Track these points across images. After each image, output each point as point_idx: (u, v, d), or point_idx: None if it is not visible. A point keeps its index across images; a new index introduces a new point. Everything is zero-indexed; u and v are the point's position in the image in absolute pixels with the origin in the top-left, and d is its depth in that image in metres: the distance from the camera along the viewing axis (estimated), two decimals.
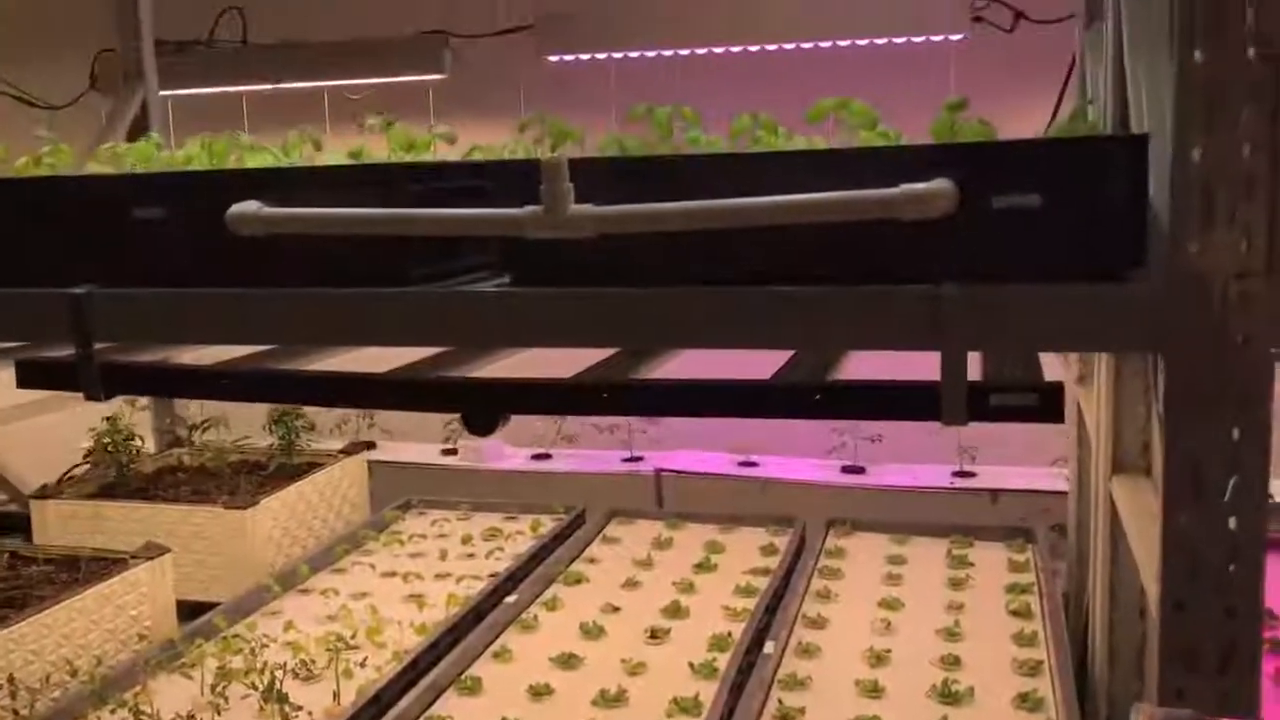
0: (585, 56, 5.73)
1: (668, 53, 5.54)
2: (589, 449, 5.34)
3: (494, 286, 2.03)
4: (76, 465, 4.22)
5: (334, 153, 2.35)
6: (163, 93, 5.94)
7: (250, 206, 2.02)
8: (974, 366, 1.85)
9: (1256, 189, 1.65)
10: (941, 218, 1.74)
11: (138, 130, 4.40)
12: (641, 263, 1.96)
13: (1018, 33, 5.28)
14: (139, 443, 4.22)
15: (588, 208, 1.87)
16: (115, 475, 4.08)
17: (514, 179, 2.00)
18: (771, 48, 5.32)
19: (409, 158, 2.20)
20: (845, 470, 5.00)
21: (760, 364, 2.09)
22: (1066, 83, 4.01)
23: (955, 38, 5.14)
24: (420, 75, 6.20)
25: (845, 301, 1.85)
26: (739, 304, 1.90)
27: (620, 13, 5.29)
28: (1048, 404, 1.80)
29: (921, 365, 1.83)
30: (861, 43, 5.23)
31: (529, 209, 1.89)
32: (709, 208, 1.83)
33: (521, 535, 3.92)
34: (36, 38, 5.81)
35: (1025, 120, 5.29)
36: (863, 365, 2.13)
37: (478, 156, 2.34)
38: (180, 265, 2.19)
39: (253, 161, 2.34)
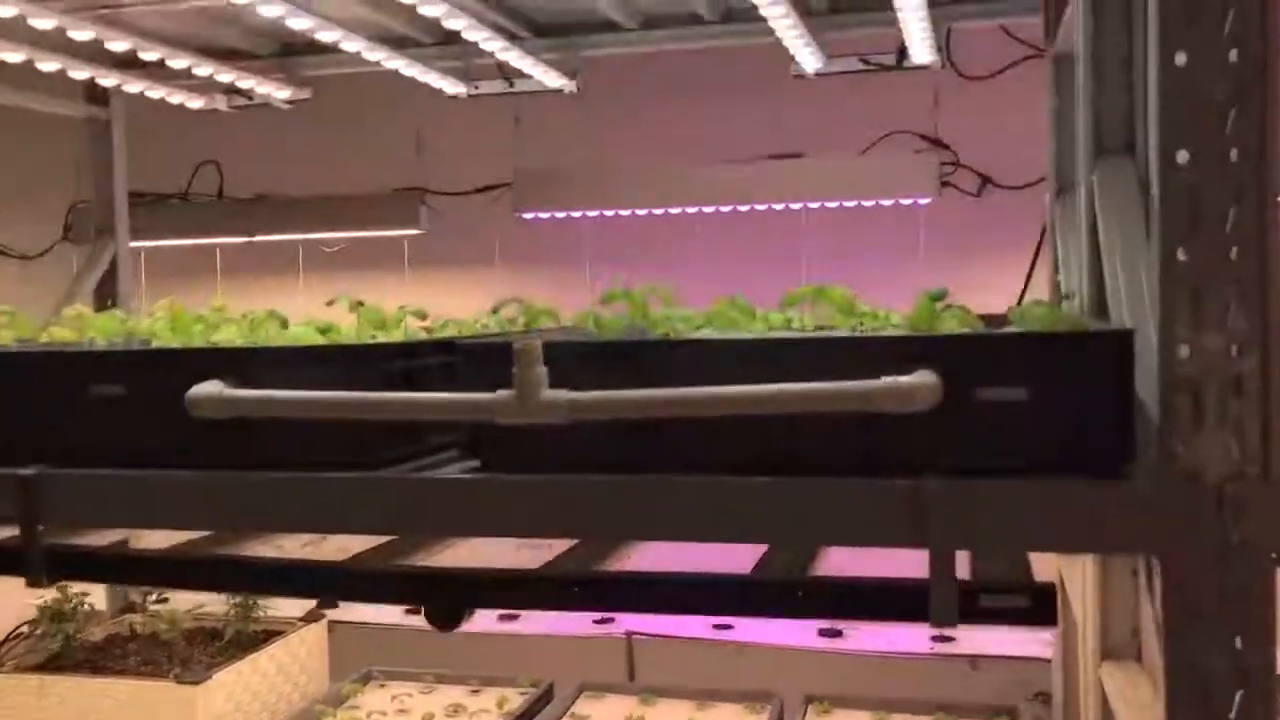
0: (561, 214, 5.78)
1: (642, 212, 5.60)
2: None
3: (463, 471, 1.96)
4: (18, 632, 4.04)
5: (303, 326, 2.30)
6: (139, 244, 5.96)
7: (211, 388, 1.95)
8: (961, 556, 1.79)
9: (1247, 387, 1.61)
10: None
11: (107, 284, 4.36)
12: (616, 449, 1.90)
13: (985, 196, 5.39)
14: (88, 607, 4.04)
15: (562, 393, 1.81)
16: (61, 645, 3.89)
17: (486, 358, 1.95)
18: (744, 208, 5.38)
19: (380, 337, 2.15)
20: (821, 634, 4.87)
21: (737, 551, 2.01)
22: (1038, 252, 4.05)
23: (924, 201, 5.22)
24: (396, 230, 6.24)
25: (825, 495, 1.78)
26: (715, 495, 1.83)
27: (597, 172, 5.37)
28: (1039, 606, 1.73)
29: (905, 554, 1.76)
30: (831, 204, 5.31)
31: (501, 394, 1.84)
32: (685, 396, 1.78)
33: (487, 714, 3.75)
34: (10, 188, 5.80)
35: (995, 278, 5.38)
36: (844, 552, 2.06)
37: (450, 332, 2.29)
38: (138, 444, 2.11)
39: (217, 337, 2.28)
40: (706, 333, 2.10)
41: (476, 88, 4.12)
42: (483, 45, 3.56)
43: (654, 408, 1.80)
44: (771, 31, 3.41)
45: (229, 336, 2.27)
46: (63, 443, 2.14)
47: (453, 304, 6.34)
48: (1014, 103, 4.68)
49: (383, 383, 2.00)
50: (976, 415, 1.75)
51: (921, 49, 3.63)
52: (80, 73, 3.60)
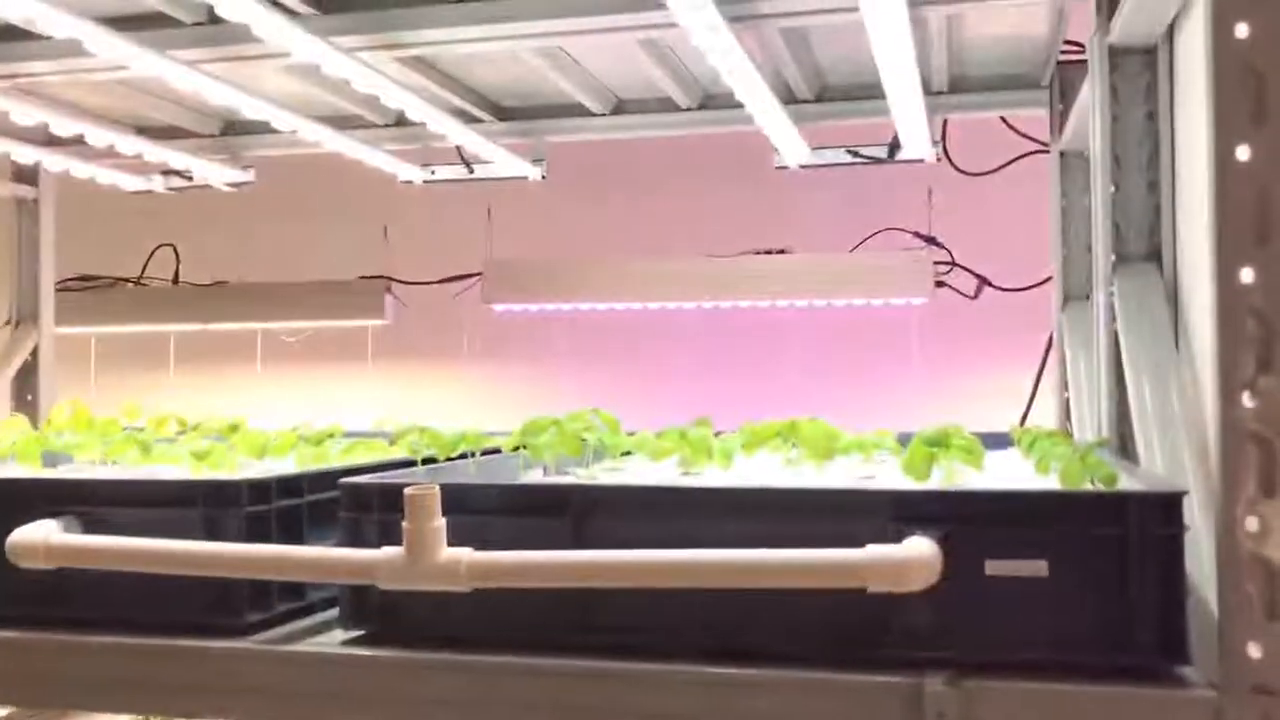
0: (533, 307, 5.44)
1: (619, 306, 5.26)
2: None
3: (345, 643, 1.58)
4: None
5: (172, 448, 1.94)
6: (90, 330, 5.61)
7: (38, 533, 1.58)
8: None
9: None
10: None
11: (26, 374, 4.01)
12: (536, 621, 1.52)
13: (982, 298, 5.06)
14: None
15: (463, 554, 1.44)
16: None
17: (378, 501, 1.59)
18: (725, 305, 5.05)
19: (252, 474, 1.78)
20: None
21: None
22: (1043, 366, 3.71)
23: (917, 302, 4.90)
24: (360, 320, 5.89)
25: (796, 692, 1.40)
26: (660, 685, 1.45)
27: (571, 265, 5.04)
28: None
29: None
30: (819, 304, 4.98)
31: (388, 553, 1.46)
32: (616, 563, 1.41)
33: None
34: None
35: (993, 387, 5.03)
36: None
37: (352, 459, 1.93)
38: None
39: (80, 453, 1.92)
40: (657, 478, 1.75)
41: (434, 173, 3.81)
42: (439, 128, 3.24)
43: (577, 575, 1.43)
44: (752, 119, 3.11)
45: (90, 458, 1.91)
46: None
47: (421, 398, 6.01)
48: (1014, 200, 4.39)
49: (251, 527, 1.63)
50: (987, 594, 1.38)
51: (916, 141, 3.32)
52: None
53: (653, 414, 5.30)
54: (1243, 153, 1.29)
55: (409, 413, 4.59)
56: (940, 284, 4.96)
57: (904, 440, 2.70)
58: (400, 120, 3.58)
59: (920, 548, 1.34)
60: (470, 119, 3.49)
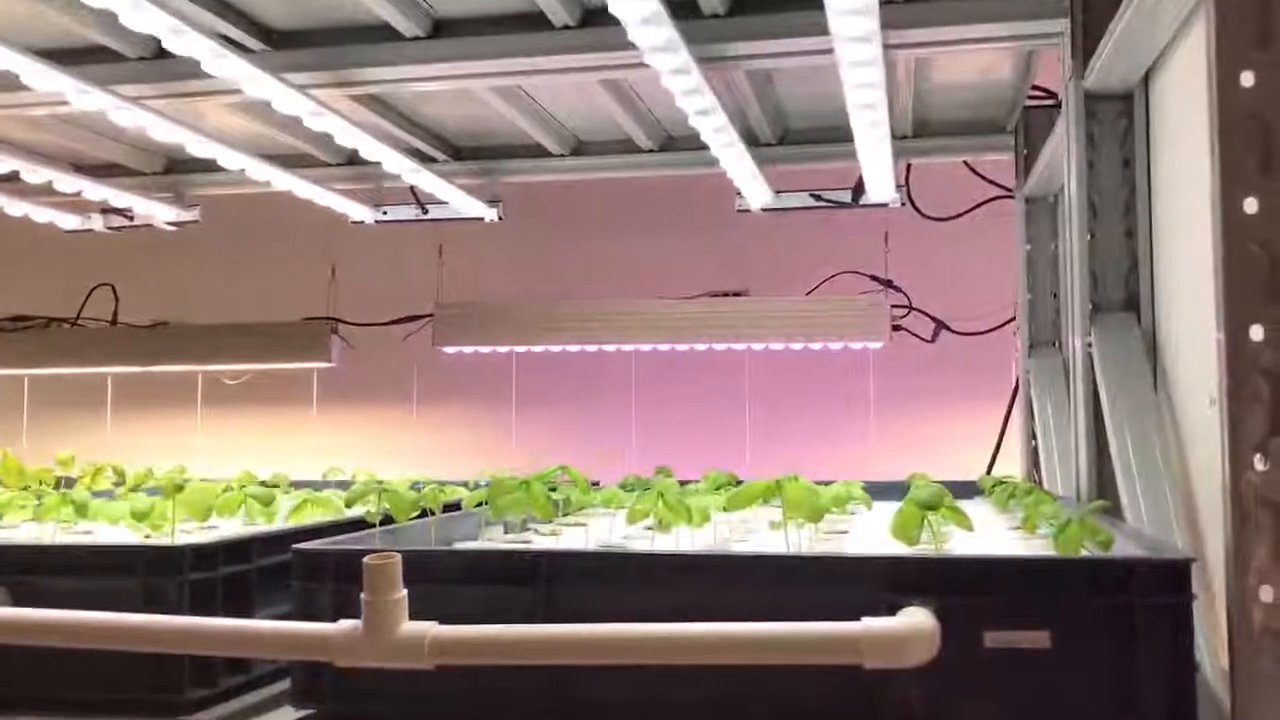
0: (485, 350, 5.33)
1: (574, 349, 5.18)
2: None
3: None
4: None
5: (110, 506, 1.81)
6: (22, 371, 5.40)
7: None
8: None
9: None
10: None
11: None
12: (507, 701, 1.42)
13: (940, 342, 5.04)
14: None
15: (426, 629, 1.34)
16: None
17: (334, 568, 1.48)
18: (683, 348, 4.99)
19: (196, 538, 1.66)
20: None
21: None
22: (1008, 415, 3.67)
23: (875, 346, 4.86)
24: (305, 363, 5.73)
25: None
26: None
27: (524, 307, 4.95)
28: None
29: None
30: (776, 346, 4.93)
31: (345, 626, 1.35)
32: (597, 637, 1.31)
33: None
34: None
35: (953, 431, 5.00)
36: None
37: (305, 518, 1.81)
38: None
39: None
40: (624, 535, 1.65)
41: (385, 213, 3.71)
42: (393, 168, 3.15)
43: (550, 651, 1.33)
44: (715, 162, 3.05)
45: (20, 517, 1.78)
46: None
47: (369, 442, 5.85)
48: (973, 245, 4.37)
49: (196, 596, 1.51)
50: (986, 667, 1.31)
51: (880, 186, 3.29)
52: None
53: (609, 458, 5.20)
54: (1250, 205, 1.24)
55: (356, 457, 4.47)
56: (897, 327, 4.93)
57: (870, 490, 2.65)
58: (352, 159, 3.49)
59: (919, 620, 1.26)
60: (425, 158, 3.40)
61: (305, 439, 5.66)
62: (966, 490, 3.01)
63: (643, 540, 1.72)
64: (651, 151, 3.44)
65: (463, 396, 5.54)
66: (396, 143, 3.20)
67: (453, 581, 1.43)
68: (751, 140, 3.31)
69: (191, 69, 2.28)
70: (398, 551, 1.36)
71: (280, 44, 2.52)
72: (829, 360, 4.97)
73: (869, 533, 2.21)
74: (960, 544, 1.66)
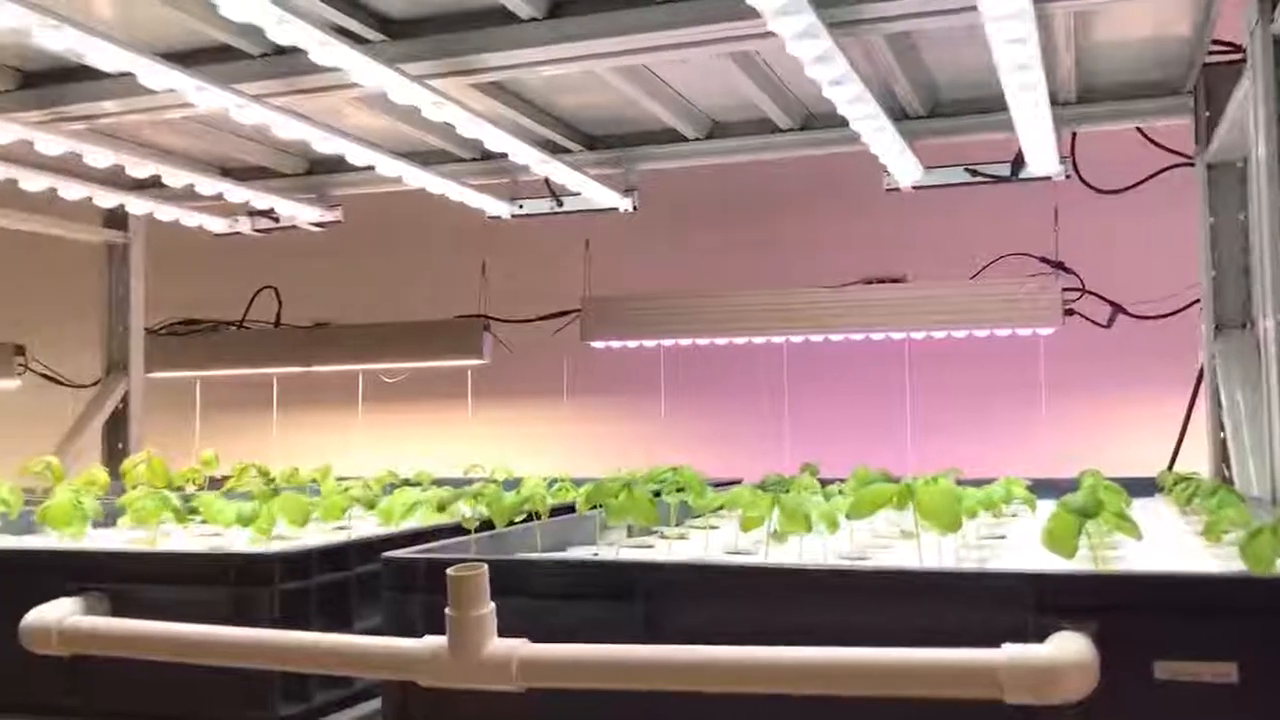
0: (633, 343, 5.24)
1: (722, 341, 5.03)
2: None
3: None
4: None
5: (224, 508, 1.77)
6: (193, 374, 5.62)
7: (52, 614, 1.41)
8: None
9: None
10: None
11: (117, 420, 3.95)
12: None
13: (1117, 327, 4.68)
14: None
15: (515, 647, 1.22)
16: None
17: (422, 578, 1.38)
18: (837, 338, 4.78)
19: (287, 544, 1.59)
20: None
21: None
22: (1192, 403, 3.35)
23: (1045, 332, 4.54)
24: (460, 360, 5.77)
25: None
26: None
27: (672, 299, 4.83)
28: None
29: None
30: (938, 334, 4.67)
31: (430, 644, 1.25)
32: (701, 661, 1.17)
33: None
34: (66, 321, 5.52)
35: (1131, 423, 4.65)
36: None
37: (409, 522, 1.73)
38: None
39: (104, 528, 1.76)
40: (749, 542, 1.50)
41: (521, 207, 3.64)
42: (521, 159, 3.06)
43: (649, 675, 1.19)
44: (858, 138, 2.85)
45: (135, 521, 1.75)
46: None
47: (520, 437, 5.85)
48: (1151, 219, 4.03)
49: (287, 606, 1.43)
50: (1156, 705, 1.11)
51: (1042, 157, 3.02)
52: (72, 191, 3.21)
53: (761, 453, 5.04)
54: None
55: (508, 453, 4.43)
56: (1069, 312, 4.59)
57: (1037, 489, 2.41)
58: (486, 154, 3.43)
59: (1071, 647, 1.07)
60: (559, 150, 3.32)
61: (460, 434, 5.70)
62: (1145, 488, 2.74)
63: (771, 550, 1.57)
64: (791, 131, 3.26)
65: (612, 391, 5.47)
66: (528, 134, 3.11)
67: (544, 595, 1.31)
68: (899, 114, 3.10)
69: (307, 64, 2.24)
70: (484, 561, 1.24)
71: (398, 34, 2.46)
72: (994, 348, 4.68)
73: (1028, 541, 2.00)
74: (1128, 555, 1.45)
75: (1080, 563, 1.30)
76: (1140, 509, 2.09)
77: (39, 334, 5.41)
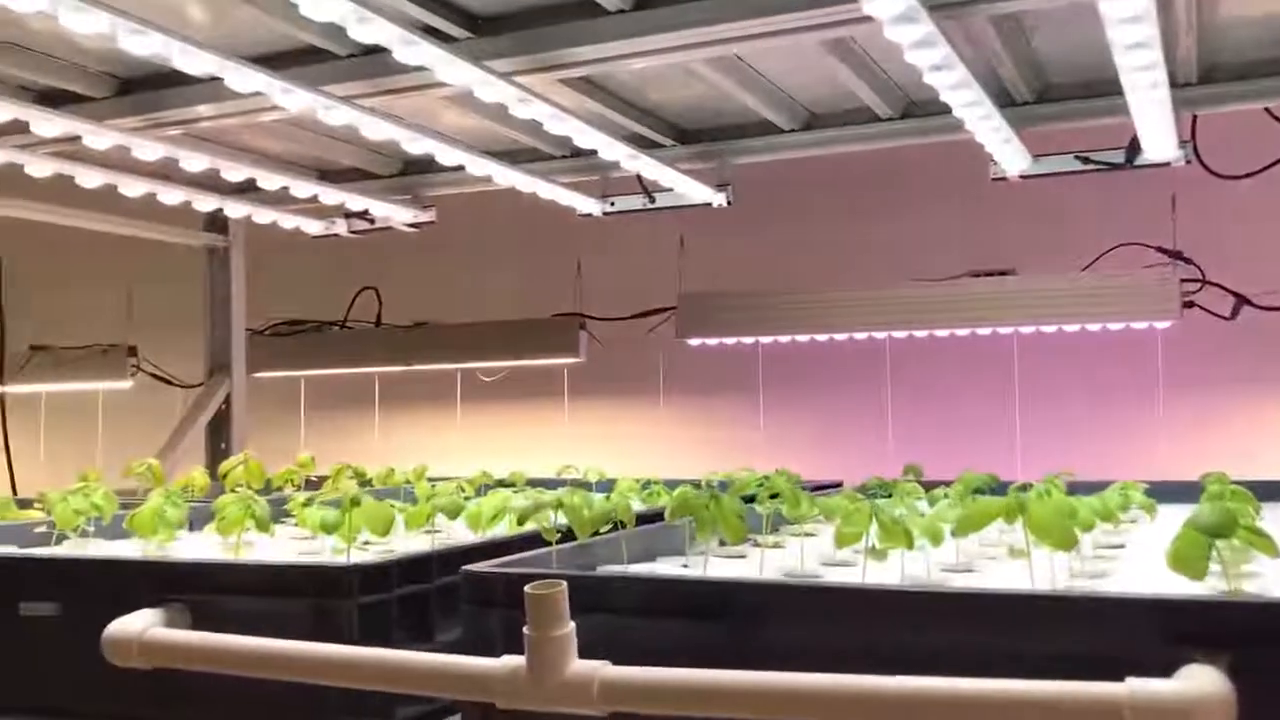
0: (730, 341, 5.15)
1: (821, 338, 4.91)
2: None
3: None
4: None
5: (311, 514, 1.74)
6: (298, 373, 5.72)
7: (134, 626, 1.39)
8: None
9: None
10: None
11: (220, 421, 4.01)
12: None
13: (1241, 319, 4.44)
14: None
15: (596, 669, 1.16)
16: None
17: (502, 592, 1.33)
18: (941, 334, 4.62)
19: (370, 555, 1.56)
20: None
21: None
22: None
23: (1162, 326, 4.33)
24: (556, 359, 5.77)
25: None
26: None
27: (767, 295, 4.73)
28: None
29: None
30: (1047, 329, 4.49)
31: (508, 664, 1.20)
32: (799, 689, 1.09)
33: None
34: (175, 323, 5.68)
35: (1256, 424, 4.42)
36: None
37: (494, 531, 1.68)
38: (64, 681, 1.57)
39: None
40: (839, 569, 1.42)
41: (613, 204, 3.59)
42: (610, 155, 3.00)
43: (742, 703, 1.12)
44: (963, 125, 2.73)
45: (221, 529, 1.74)
46: None
47: (616, 435, 5.82)
48: (1277, 205, 3.82)
49: (366, 619, 1.40)
50: None
51: (1160, 142, 2.86)
52: (170, 196, 3.26)
53: (862, 453, 4.91)
54: None
55: (604, 452, 4.39)
56: (1189, 304, 4.36)
57: (1155, 493, 2.27)
58: (576, 151, 3.38)
59: (1204, 682, 0.97)
60: (649, 144, 3.25)
61: (555, 435, 5.69)
62: (1272, 491, 2.57)
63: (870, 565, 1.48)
64: (891, 120, 3.14)
65: (708, 389, 5.40)
66: (617, 129, 3.06)
67: (627, 613, 1.25)
68: (1006, 100, 2.96)
69: (396, 64, 2.21)
70: (563, 577, 1.19)
71: (484, 30, 2.42)
72: (1107, 344, 4.49)
73: (1149, 551, 1.87)
74: (1265, 573, 1.33)
75: (1211, 585, 1.19)
76: (1271, 516, 1.94)
77: (149, 335, 5.56)
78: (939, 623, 1.13)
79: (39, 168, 2.87)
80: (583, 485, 2.92)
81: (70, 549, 1.99)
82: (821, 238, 4.82)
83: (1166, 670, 1.00)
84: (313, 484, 3.34)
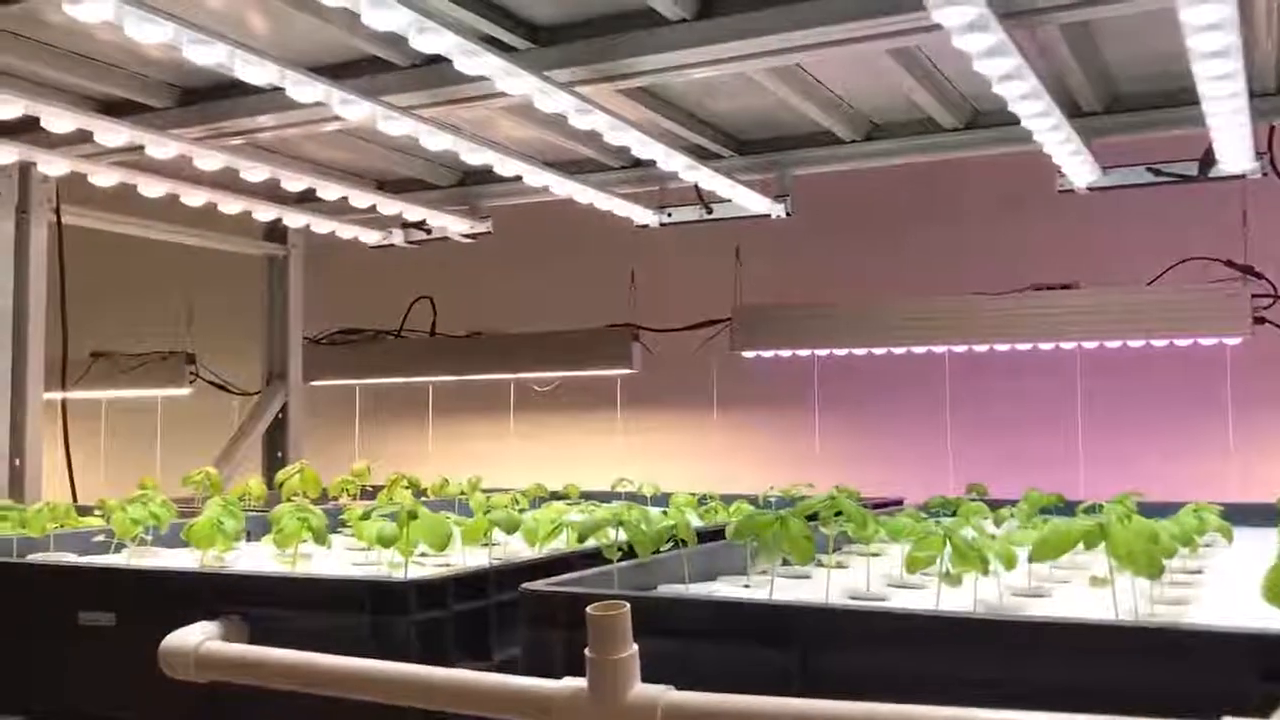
0: (785, 354, 5.10)
1: (879, 351, 4.84)
2: None
3: None
4: None
5: (368, 526, 1.72)
6: (354, 381, 5.75)
7: (191, 639, 1.38)
8: None
9: None
10: None
11: (277, 429, 4.03)
12: None
13: None
14: None
15: (660, 692, 1.13)
16: None
17: (564, 612, 1.30)
18: (1003, 349, 4.54)
19: (428, 570, 1.53)
20: None
21: None
22: None
23: (1232, 342, 4.22)
24: (609, 370, 5.74)
25: None
26: None
27: (824, 308, 4.68)
28: None
29: None
30: (1112, 344, 4.38)
31: (570, 685, 1.17)
32: (856, 718, 1.05)
33: None
34: (234, 331, 5.74)
35: None
36: None
37: (552, 547, 1.65)
38: (121, 692, 1.57)
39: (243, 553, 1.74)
40: (908, 591, 1.37)
41: (669, 215, 3.56)
42: (668, 165, 2.97)
43: None
44: (1028, 136, 2.67)
45: (277, 540, 1.73)
46: (49, 686, 1.63)
47: (668, 447, 5.78)
48: None
49: (424, 635, 1.37)
50: None
51: (1236, 154, 2.78)
52: (231, 205, 3.28)
53: (916, 469, 4.82)
54: None
55: (657, 464, 4.35)
56: (1260, 320, 4.24)
57: (1230, 515, 2.19)
58: (634, 161, 3.36)
59: None
60: (708, 154, 3.22)
61: (609, 445, 5.66)
62: None
63: (933, 588, 1.44)
64: (956, 130, 3.08)
65: (763, 403, 5.35)
66: (676, 140, 3.03)
67: (691, 636, 1.21)
68: (1074, 110, 2.90)
69: (456, 74, 2.20)
70: (625, 599, 1.15)
71: (545, 40, 2.41)
72: (1174, 360, 4.38)
73: (1228, 577, 1.80)
74: None
75: None
76: None
77: (208, 343, 5.61)
78: (1018, 653, 1.08)
79: (103, 177, 2.90)
80: (638, 499, 2.89)
81: (128, 558, 2.00)
82: (880, 250, 4.75)
83: (1265, 709, 0.95)
84: (368, 493, 3.34)
